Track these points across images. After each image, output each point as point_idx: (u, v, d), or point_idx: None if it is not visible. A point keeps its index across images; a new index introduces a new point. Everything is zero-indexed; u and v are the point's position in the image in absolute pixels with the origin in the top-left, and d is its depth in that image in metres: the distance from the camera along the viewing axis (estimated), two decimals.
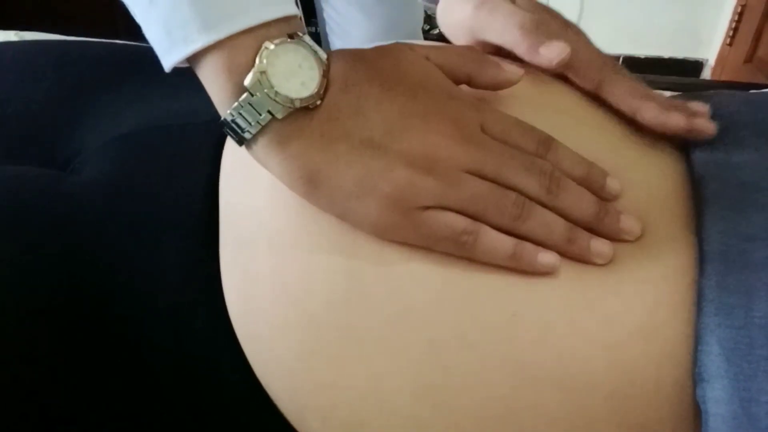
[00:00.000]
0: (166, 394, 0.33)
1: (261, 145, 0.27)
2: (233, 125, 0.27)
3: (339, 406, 0.29)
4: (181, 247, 0.33)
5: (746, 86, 0.86)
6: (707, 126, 0.31)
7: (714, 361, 0.25)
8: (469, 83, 0.31)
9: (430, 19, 2.25)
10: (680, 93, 0.41)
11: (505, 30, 0.35)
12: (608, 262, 0.28)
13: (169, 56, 0.27)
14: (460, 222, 0.27)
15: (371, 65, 0.29)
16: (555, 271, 0.28)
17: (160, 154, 0.36)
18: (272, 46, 0.26)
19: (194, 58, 0.27)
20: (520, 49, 0.34)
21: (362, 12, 1.01)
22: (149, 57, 0.46)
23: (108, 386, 0.32)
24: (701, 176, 0.30)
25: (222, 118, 0.27)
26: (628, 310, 0.27)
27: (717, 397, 0.25)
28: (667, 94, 0.91)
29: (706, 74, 1.94)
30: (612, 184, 0.30)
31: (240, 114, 0.26)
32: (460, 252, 0.28)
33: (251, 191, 0.33)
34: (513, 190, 0.28)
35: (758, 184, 0.29)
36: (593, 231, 0.28)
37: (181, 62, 0.27)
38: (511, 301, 0.27)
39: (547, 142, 0.30)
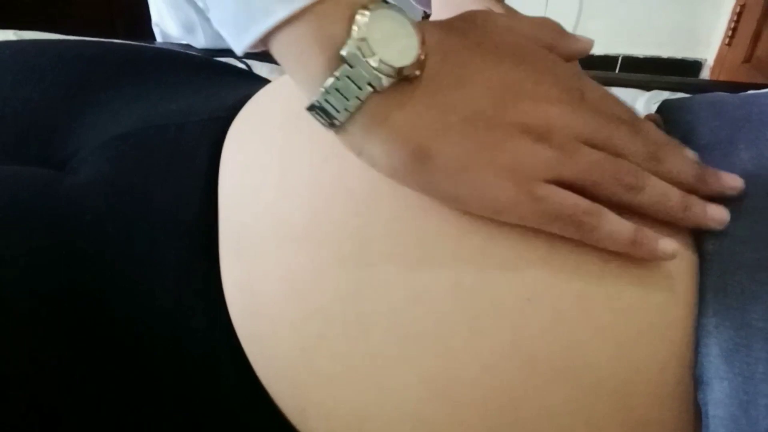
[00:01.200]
0: (164, 393, 0.32)
1: (360, 125, 0.25)
2: (326, 105, 0.24)
3: (342, 402, 0.28)
4: (179, 245, 0.33)
5: (745, 86, 0.86)
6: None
7: (713, 362, 0.25)
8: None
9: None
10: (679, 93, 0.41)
11: None
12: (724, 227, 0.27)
13: (246, 34, 0.25)
14: (582, 201, 0.26)
15: (465, 34, 0.27)
16: (674, 258, 0.26)
17: (158, 153, 0.36)
18: (368, 13, 0.24)
19: (275, 36, 0.25)
20: None
21: None
22: (147, 56, 0.47)
23: (106, 386, 0.32)
24: None
25: (310, 102, 0.25)
26: (643, 306, 0.27)
27: (716, 399, 0.25)
28: (666, 94, 0.90)
29: (705, 74, 1.94)
30: (688, 152, 0.29)
31: (336, 90, 0.24)
32: (578, 234, 0.26)
33: (256, 187, 0.32)
34: (623, 157, 0.27)
35: (747, 189, 0.29)
36: (696, 194, 0.28)
37: (257, 43, 0.25)
38: (526, 286, 0.27)
39: (635, 115, 0.29)
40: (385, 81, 0.24)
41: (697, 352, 0.26)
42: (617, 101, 0.29)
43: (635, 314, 0.26)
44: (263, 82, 0.47)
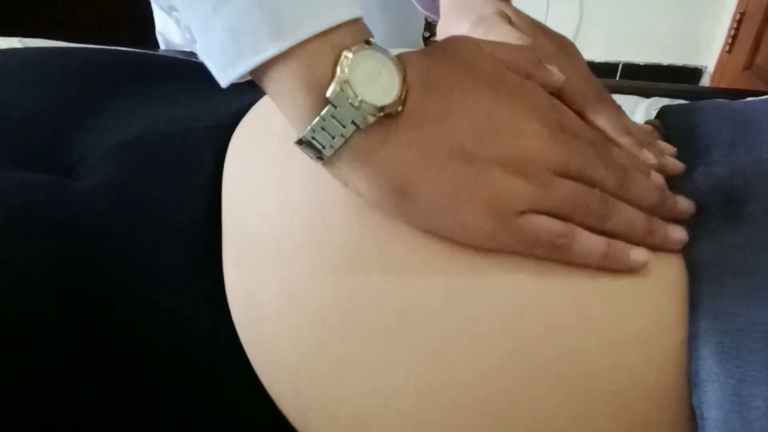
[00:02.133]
0: (167, 395, 0.33)
1: (345, 160, 0.26)
2: (313, 141, 0.26)
3: (343, 406, 0.29)
4: (183, 250, 0.33)
5: (745, 93, 0.87)
6: (676, 165, 0.33)
7: (704, 365, 0.25)
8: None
9: (430, 27, 2.26)
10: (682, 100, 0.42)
11: None
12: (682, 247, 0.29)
13: (233, 68, 0.26)
14: (556, 225, 0.27)
15: (446, 67, 0.28)
16: (647, 265, 0.27)
17: (163, 159, 0.37)
18: (351, 54, 0.25)
19: (263, 70, 0.26)
20: None
21: (366, 19, 1.02)
22: (152, 64, 0.47)
23: (109, 388, 0.32)
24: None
25: (299, 137, 0.26)
26: (638, 310, 0.27)
27: (709, 401, 0.25)
28: (666, 101, 0.91)
29: (705, 81, 1.95)
30: (655, 177, 0.31)
31: (322, 129, 0.25)
32: (556, 255, 0.27)
33: (257, 193, 0.33)
34: (594, 186, 0.28)
35: (745, 194, 0.30)
36: (656, 216, 0.29)
37: (243, 76, 0.26)
38: (520, 297, 0.27)
39: (607, 141, 0.31)
40: (367, 121, 0.25)
41: (690, 356, 0.26)
42: (592, 129, 0.31)
43: (628, 321, 0.27)
44: None
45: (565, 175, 0.27)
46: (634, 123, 0.35)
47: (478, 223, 0.27)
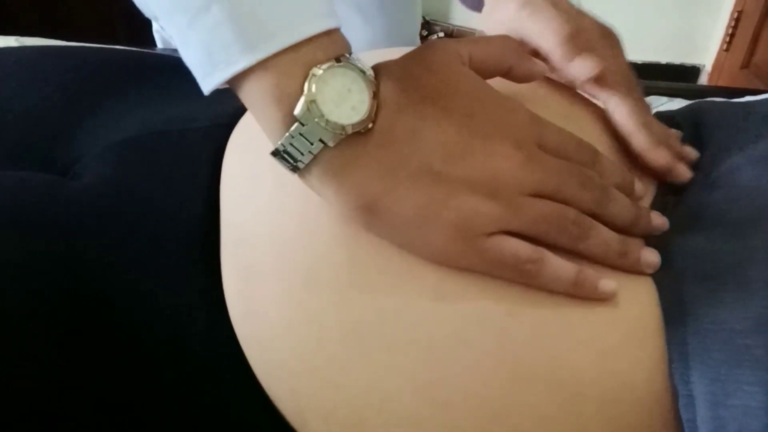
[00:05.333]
0: (165, 395, 0.33)
1: (315, 174, 0.26)
2: (285, 155, 0.26)
3: (340, 406, 0.29)
4: (181, 249, 0.33)
5: (742, 92, 0.87)
6: (685, 173, 0.33)
7: (677, 368, 0.26)
8: (508, 74, 0.31)
9: (428, 25, 2.26)
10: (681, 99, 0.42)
11: (542, 35, 0.35)
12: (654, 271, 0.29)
13: (211, 79, 0.26)
14: (524, 250, 0.27)
15: (421, 82, 0.28)
16: (614, 296, 0.27)
17: (161, 159, 0.36)
18: (320, 72, 0.25)
19: (238, 82, 0.26)
20: (554, 56, 0.35)
21: (363, 17, 1.01)
22: (150, 63, 0.47)
23: (107, 387, 0.32)
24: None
25: (273, 148, 0.26)
26: (623, 315, 0.27)
27: (684, 403, 0.25)
28: (664, 99, 0.91)
29: (703, 80, 1.95)
30: (638, 188, 0.31)
31: (291, 144, 0.25)
32: (523, 279, 0.27)
33: (254, 193, 0.33)
34: (569, 205, 0.28)
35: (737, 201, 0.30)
36: (629, 233, 0.29)
37: (222, 84, 0.26)
38: (506, 300, 0.27)
39: (595, 154, 0.30)
40: (334, 139, 0.25)
41: (668, 359, 0.26)
42: (577, 141, 0.30)
43: (613, 326, 0.27)
44: None
45: (540, 195, 0.27)
46: (658, 122, 0.34)
47: (445, 244, 0.26)
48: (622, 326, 0.27)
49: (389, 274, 0.28)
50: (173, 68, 0.47)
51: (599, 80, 0.34)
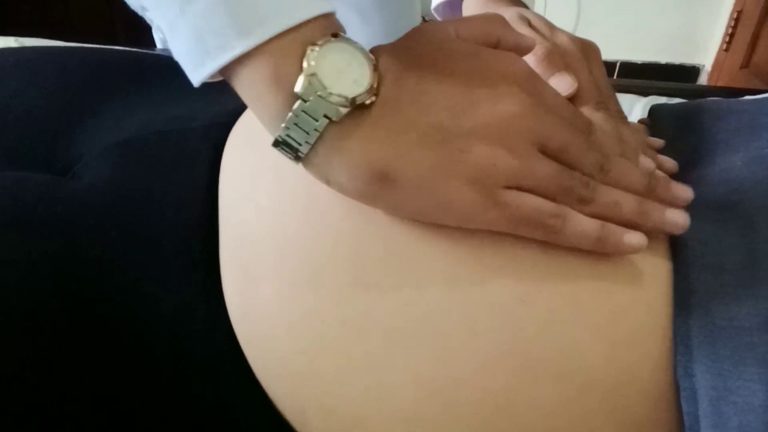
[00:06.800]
0: (165, 394, 0.33)
1: (321, 154, 0.26)
2: (288, 140, 0.25)
3: (342, 404, 0.29)
4: (180, 249, 0.33)
5: (742, 91, 0.87)
6: (669, 163, 0.33)
7: (681, 360, 0.26)
8: (497, 47, 0.31)
9: None
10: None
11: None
12: (681, 232, 0.27)
13: (202, 67, 0.25)
14: (545, 204, 0.26)
15: (418, 52, 0.28)
16: (642, 250, 0.27)
17: (160, 158, 0.36)
18: (317, 48, 0.25)
19: (232, 69, 0.25)
20: None
21: (361, 17, 1.01)
22: (149, 63, 0.47)
23: (107, 387, 0.32)
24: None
25: (274, 138, 0.26)
26: (635, 306, 0.27)
27: (687, 396, 0.25)
28: (664, 99, 0.91)
29: (703, 80, 1.95)
30: (644, 161, 0.30)
31: (295, 125, 0.25)
32: (546, 236, 0.26)
33: (254, 191, 0.33)
34: (573, 168, 0.27)
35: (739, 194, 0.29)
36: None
37: (214, 76, 0.26)
38: (519, 287, 0.27)
39: (590, 123, 0.30)
40: (338, 112, 0.25)
41: (674, 352, 0.26)
42: (573, 108, 0.30)
43: (627, 315, 0.27)
44: None
45: (546, 150, 0.27)
46: (631, 133, 0.34)
47: (463, 201, 0.26)
48: (635, 315, 0.27)
49: (395, 267, 0.28)
50: (172, 68, 0.47)
51: (573, 97, 0.35)
